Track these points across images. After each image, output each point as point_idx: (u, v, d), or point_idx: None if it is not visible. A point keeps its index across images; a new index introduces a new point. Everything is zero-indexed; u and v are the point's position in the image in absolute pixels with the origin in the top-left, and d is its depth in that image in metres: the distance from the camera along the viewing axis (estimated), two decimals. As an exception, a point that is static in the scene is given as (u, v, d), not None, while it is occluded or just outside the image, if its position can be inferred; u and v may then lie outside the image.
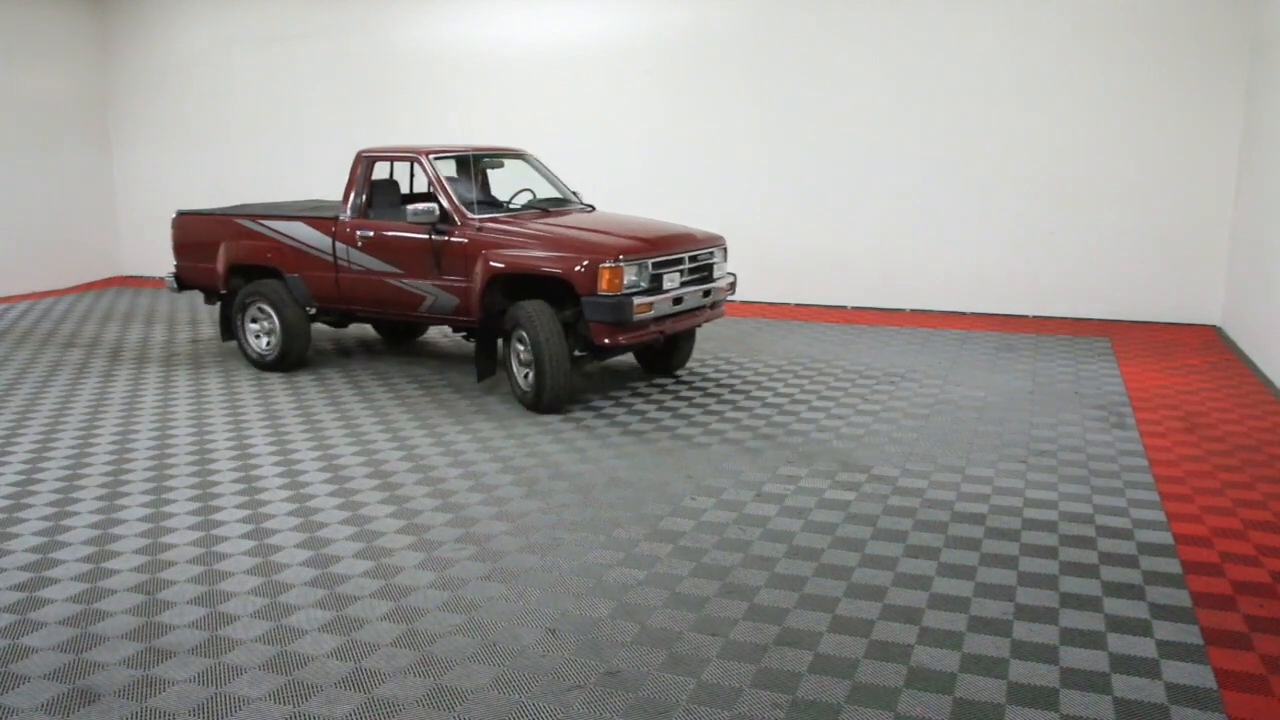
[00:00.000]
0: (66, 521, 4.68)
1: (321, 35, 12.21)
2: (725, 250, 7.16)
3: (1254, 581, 3.90)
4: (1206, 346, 8.35)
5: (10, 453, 5.80)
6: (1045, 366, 7.65)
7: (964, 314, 9.97)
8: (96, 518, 4.71)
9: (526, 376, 6.51)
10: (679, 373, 7.54)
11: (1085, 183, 9.36)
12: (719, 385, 7.19)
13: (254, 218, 7.89)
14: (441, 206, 6.87)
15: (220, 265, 8.01)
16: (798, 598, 3.79)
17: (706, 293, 6.84)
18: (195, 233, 8.24)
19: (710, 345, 8.54)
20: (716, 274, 7.04)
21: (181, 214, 8.44)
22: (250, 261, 7.84)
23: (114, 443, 5.97)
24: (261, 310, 7.73)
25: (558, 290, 6.50)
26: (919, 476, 5.16)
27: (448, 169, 7.31)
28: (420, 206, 6.70)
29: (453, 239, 6.81)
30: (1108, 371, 7.47)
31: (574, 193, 7.96)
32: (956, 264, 9.94)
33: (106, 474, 5.38)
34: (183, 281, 8.46)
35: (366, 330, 9.50)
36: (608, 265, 6.16)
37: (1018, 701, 3.07)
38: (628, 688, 3.18)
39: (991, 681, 3.19)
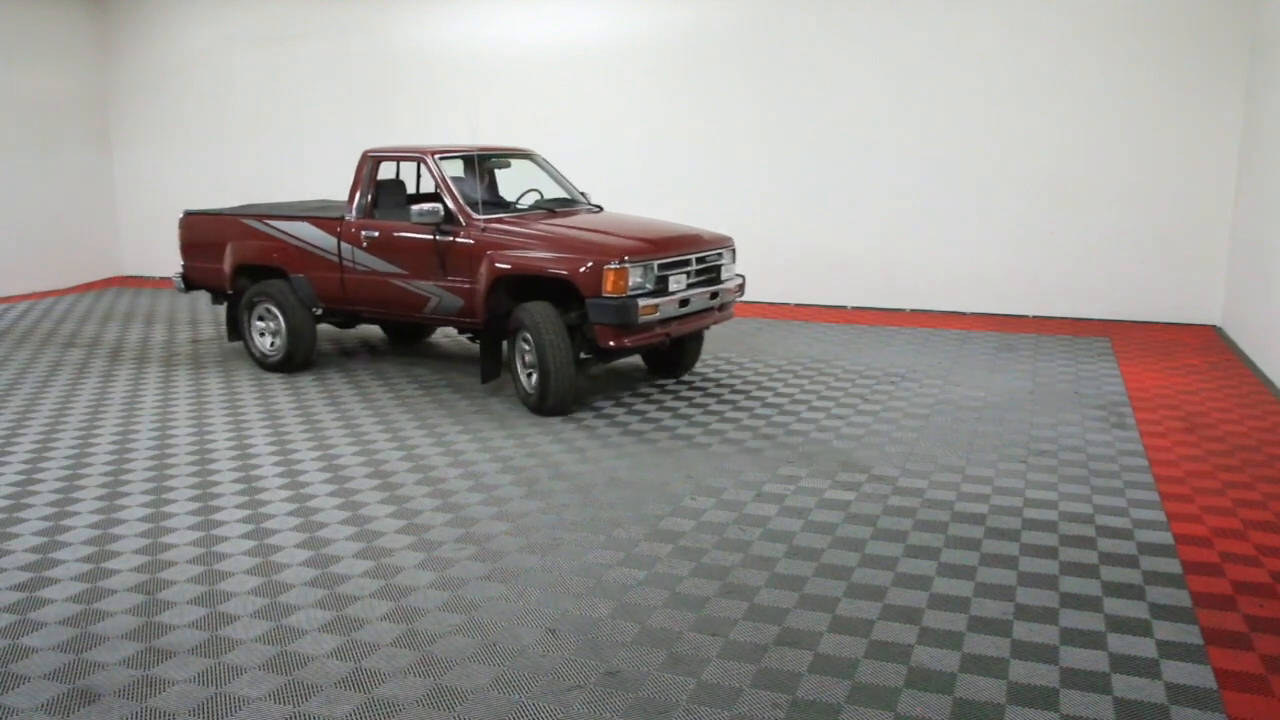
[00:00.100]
0: (66, 521, 4.68)
1: (321, 35, 12.21)
2: (734, 252, 7.07)
3: (1254, 581, 3.90)
4: (1206, 346, 8.35)
5: (10, 453, 5.80)
6: (1045, 366, 7.65)
7: (964, 314, 9.98)
8: (96, 518, 4.71)
9: (530, 378, 6.47)
10: (686, 376, 7.47)
11: (1085, 183, 9.37)
12: (719, 385, 7.19)
13: (260, 218, 7.87)
14: (446, 207, 6.82)
15: (227, 266, 7.99)
16: (798, 598, 3.79)
17: (714, 295, 6.75)
18: (202, 233, 8.21)
19: (710, 345, 8.54)
20: (724, 276, 6.94)
21: (189, 214, 8.41)
22: (256, 262, 7.81)
23: (114, 443, 5.97)
24: (268, 311, 7.71)
25: (563, 292, 6.43)
26: (919, 476, 5.16)
27: (454, 169, 7.27)
28: (425, 207, 6.65)
29: (457, 240, 6.76)
30: (1108, 371, 7.47)
31: (582, 193, 7.90)
32: (956, 264, 9.94)
33: (106, 474, 5.38)
34: (190, 282, 8.42)
35: (367, 331, 9.50)
36: (612, 267, 6.09)
37: (1018, 701, 3.07)
38: (628, 688, 3.18)
39: (991, 681, 3.19)
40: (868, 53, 9.88)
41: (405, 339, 8.96)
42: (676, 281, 6.47)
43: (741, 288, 7.11)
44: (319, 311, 7.74)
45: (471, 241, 6.71)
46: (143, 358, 8.47)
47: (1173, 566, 4.03)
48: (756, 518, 4.62)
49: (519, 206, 7.45)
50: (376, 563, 4.16)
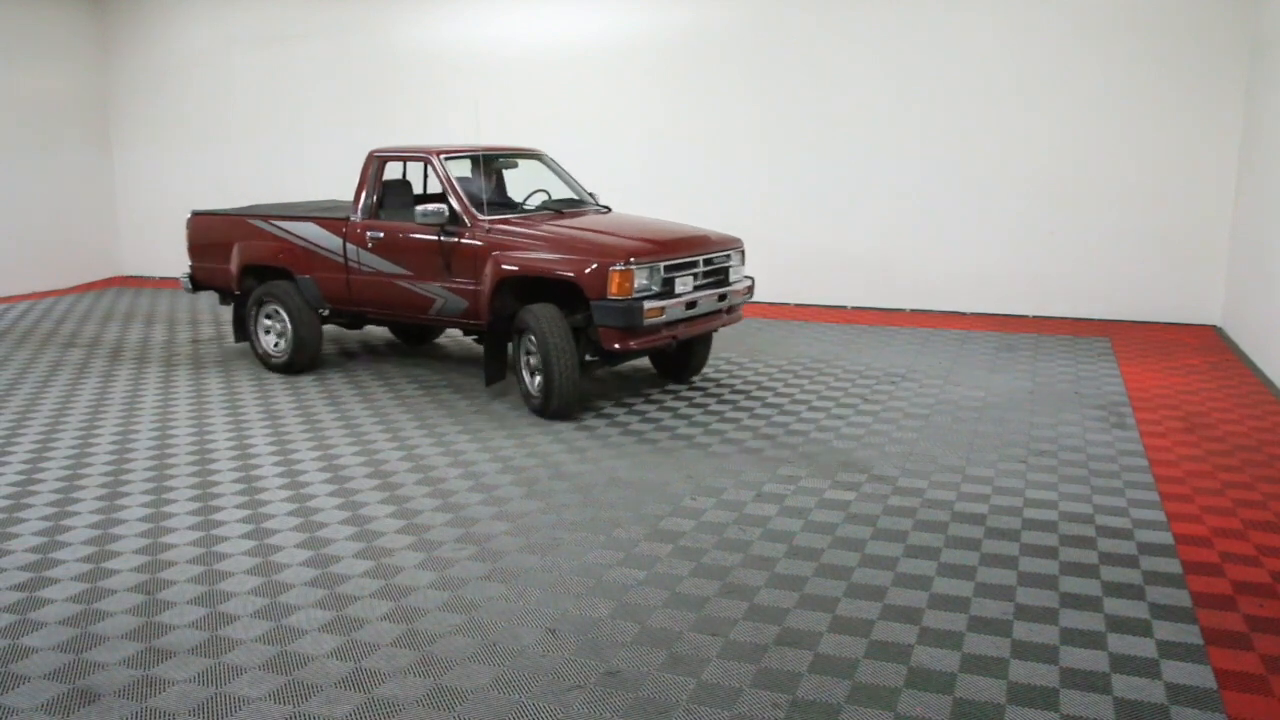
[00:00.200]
0: (66, 521, 4.68)
1: (321, 35, 12.21)
2: (743, 253, 6.97)
3: (1254, 581, 3.90)
4: (1206, 346, 8.35)
5: (10, 453, 5.80)
6: (1045, 366, 7.65)
7: (964, 314, 9.98)
8: (96, 518, 4.71)
9: (534, 379, 6.40)
10: (694, 379, 7.36)
11: (1085, 183, 9.37)
12: (719, 385, 7.19)
13: (266, 218, 7.84)
14: (451, 208, 6.77)
15: (234, 266, 7.97)
16: (798, 598, 3.79)
17: (722, 296, 6.65)
18: (210, 233, 8.18)
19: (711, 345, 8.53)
20: (733, 277, 6.85)
21: (197, 214, 8.37)
22: (263, 262, 7.78)
23: (114, 443, 5.97)
24: (275, 311, 7.69)
25: (568, 293, 6.37)
26: (919, 476, 5.16)
27: (461, 169, 7.23)
28: (429, 207, 6.59)
29: (462, 240, 6.71)
30: (1108, 371, 7.47)
31: (591, 194, 7.82)
32: (956, 264, 9.94)
33: (106, 474, 5.38)
34: (198, 282, 8.39)
35: (367, 331, 9.50)
36: (617, 268, 6.02)
37: (1018, 701, 3.07)
38: (628, 688, 3.18)
39: (991, 681, 3.19)
40: (868, 53, 9.88)
41: (413, 340, 8.91)
42: (683, 283, 6.39)
43: (750, 290, 7.01)
44: (325, 312, 7.71)
45: (476, 242, 6.65)
46: (143, 358, 8.47)
47: (1173, 566, 4.03)
48: (756, 518, 4.61)
49: (526, 207, 7.41)
50: (376, 563, 4.16)
